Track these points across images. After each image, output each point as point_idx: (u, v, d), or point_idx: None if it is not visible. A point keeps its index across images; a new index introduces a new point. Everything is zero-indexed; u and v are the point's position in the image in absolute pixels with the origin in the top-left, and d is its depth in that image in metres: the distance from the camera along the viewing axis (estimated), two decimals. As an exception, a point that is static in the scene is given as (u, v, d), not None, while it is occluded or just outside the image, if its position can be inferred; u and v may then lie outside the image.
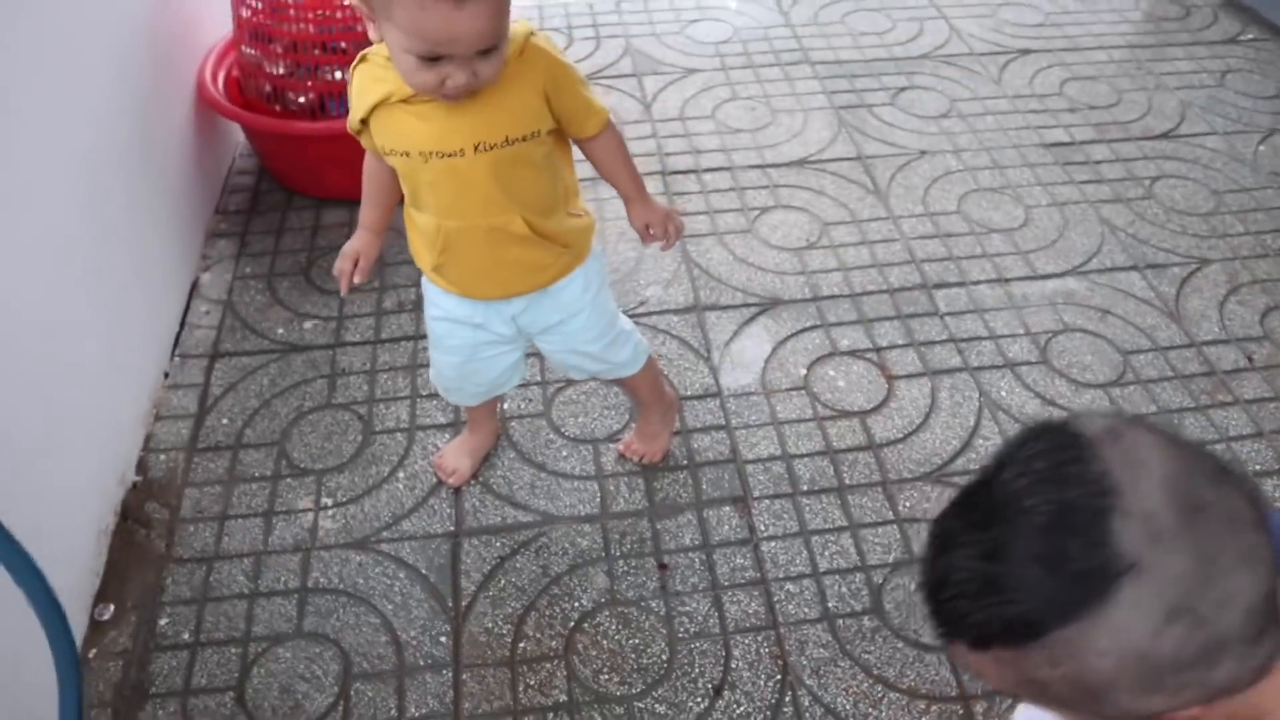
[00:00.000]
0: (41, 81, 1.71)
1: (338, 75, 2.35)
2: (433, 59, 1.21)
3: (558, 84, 1.38)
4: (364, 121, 1.39)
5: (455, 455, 1.92)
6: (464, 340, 1.64)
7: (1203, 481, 0.65)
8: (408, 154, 1.37)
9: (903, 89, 2.97)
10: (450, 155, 1.35)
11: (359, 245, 1.60)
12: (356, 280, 1.59)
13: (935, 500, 1.88)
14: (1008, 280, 2.33)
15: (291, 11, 2.26)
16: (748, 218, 2.49)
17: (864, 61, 3.09)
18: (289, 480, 1.93)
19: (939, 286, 2.31)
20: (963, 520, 0.71)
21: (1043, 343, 2.17)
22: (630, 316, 2.17)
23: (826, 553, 1.80)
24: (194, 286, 2.33)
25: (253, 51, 2.36)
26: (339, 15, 2.27)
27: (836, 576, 1.77)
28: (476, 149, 1.35)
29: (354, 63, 1.39)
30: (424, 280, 1.63)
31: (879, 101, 2.91)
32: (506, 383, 1.76)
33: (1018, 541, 0.65)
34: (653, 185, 2.55)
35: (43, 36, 1.72)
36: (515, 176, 1.41)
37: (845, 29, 3.27)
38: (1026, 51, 3.15)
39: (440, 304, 1.62)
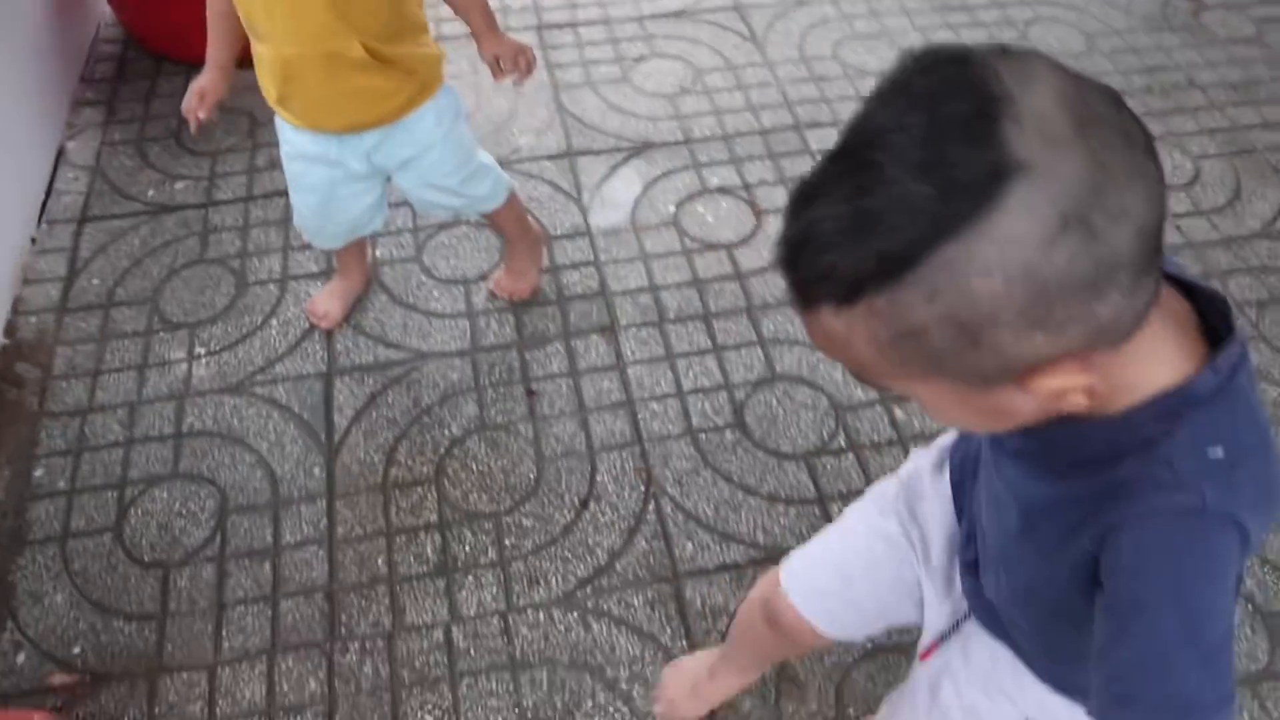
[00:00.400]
0: None
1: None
2: None
3: None
4: None
5: (326, 299, 1.94)
6: (320, 178, 1.65)
7: (1098, 100, 0.59)
8: None
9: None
10: None
11: (205, 82, 1.59)
12: (201, 116, 1.59)
13: (798, 323, 1.94)
14: (877, 118, 2.37)
15: None
16: (622, 68, 2.49)
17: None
18: (162, 334, 1.94)
19: (811, 126, 2.35)
20: (828, 170, 0.60)
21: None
22: (503, 164, 2.18)
23: (691, 374, 1.86)
24: (60, 154, 2.29)
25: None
26: None
27: (700, 395, 1.83)
28: None
29: None
30: (276, 119, 1.63)
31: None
32: (368, 224, 1.78)
33: (890, 164, 0.56)
34: (527, 37, 2.54)
35: None
36: (351, 1, 1.41)
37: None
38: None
39: (293, 141, 1.62)
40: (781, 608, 1.13)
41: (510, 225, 1.89)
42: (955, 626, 1.01)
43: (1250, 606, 1.57)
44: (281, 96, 1.54)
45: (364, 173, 1.65)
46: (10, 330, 1.95)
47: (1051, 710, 0.93)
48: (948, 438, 1.04)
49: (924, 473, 1.05)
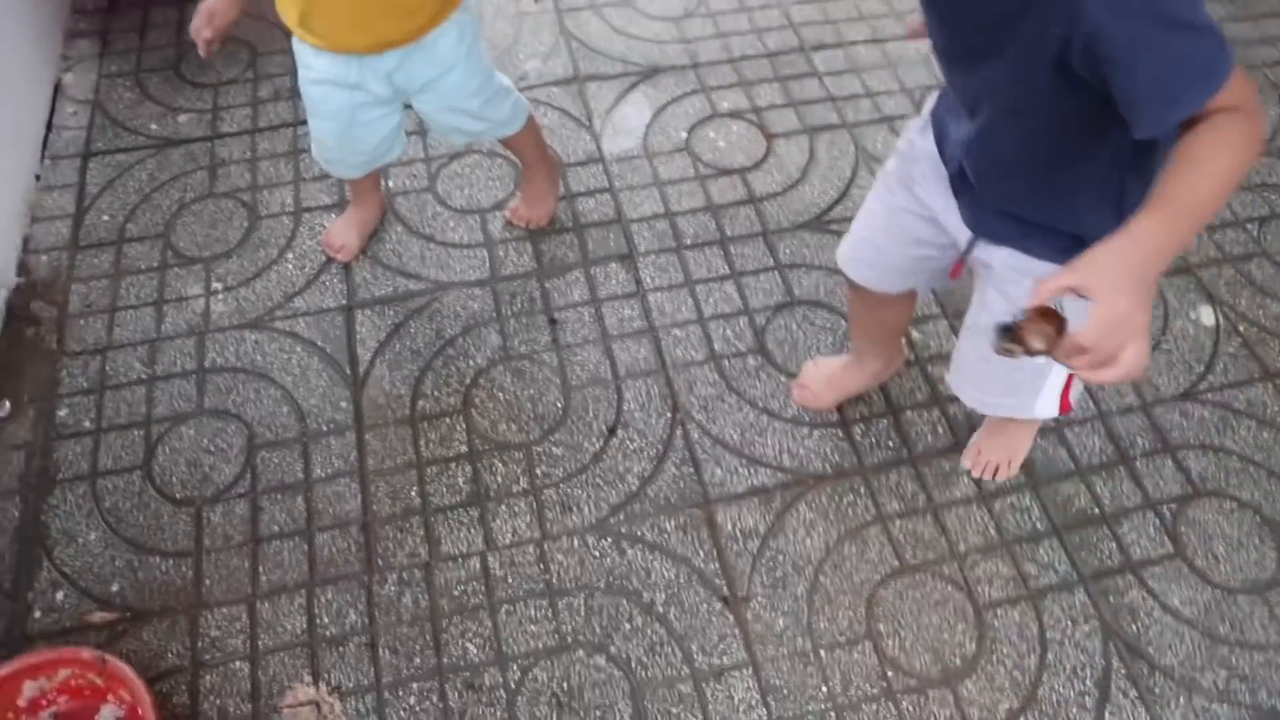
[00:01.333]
0: None
1: None
2: None
3: None
4: None
5: (342, 231, 1.92)
6: (341, 104, 1.63)
7: None
8: None
9: None
10: None
11: (214, 3, 1.56)
12: (208, 37, 1.56)
13: (814, 247, 1.95)
14: (884, 40, 2.35)
15: None
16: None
17: None
18: (176, 269, 1.92)
19: (817, 49, 2.33)
20: None
21: (917, 97, 2.22)
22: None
23: (711, 300, 1.87)
24: (57, 88, 2.24)
25: None
26: None
27: (721, 321, 1.85)
28: None
29: None
30: (295, 43, 1.60)
31: None
32: (388, 151, 1.76)
33: None
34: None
35: None
36: None
37: None
38: None
39: (314, 65, 1.60)
40: (849, 282, 1.50)
41: (529, 150, 1.88)
42: (969, 248, 1.26)
43: (1258, 518, 1.63)
44: (303, 16, 1.51)
45: (385, 96, 1.63)
46: (23, 269, 1.93)
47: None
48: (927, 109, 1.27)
49: (914, 141, 1.29)
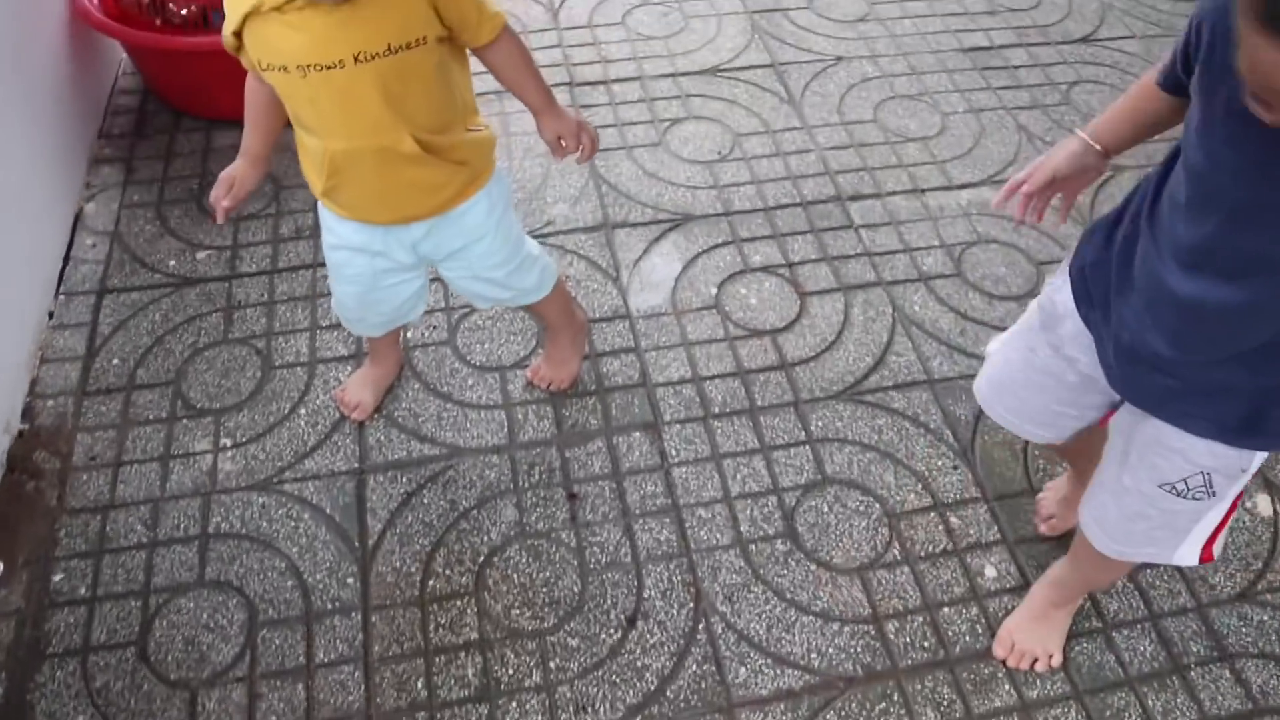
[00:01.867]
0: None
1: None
2: None
3: None
4: (238, 36, 1.30)
5: (357, 388, 1.86)
6: (363, 269, 1.57)
7: None
8: (285, 69, 1.28)
9: (819, -9, 2.89)
10: (329, 68, 1.26)
11: (235, 172, 1.52)
12: (227, 206, 1.51)
13: (848, 420, 1.87)
14: (923, 191, 2.30)
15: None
16: (658, 130, 2.41)
17: (779, -38, 2.99)
18: (185, 422, 1.86)
19: (854, 199, 2.27)
20: None
21: (957, 254, 2.16)
22: (537, 237, 2.11)
23: (738, 476, 1.79)
24: (78, 218, 2.20)
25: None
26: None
27: (749, 500, 1.76)
28: (357, 59, 1.26)
29: None
30: (319, 206, 1.55)
31: (794, 5, 2.82)
32: (410, 312, 1.70)
33: None
34: (558, 97, 2.46)
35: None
36: (403, 90, 1.32)
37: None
38: (945, -51, 3.07)
39: (337, 231, 1.54)
40: None
41: (554, 315, 1.82)
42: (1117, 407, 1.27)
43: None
44: (329, 189, 1.46)
45: (409, 263, 1.58)
46: (29, 414, 1.87)
47: (1221, 454, 1.16)
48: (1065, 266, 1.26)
49: (1055, 299, 1.27)
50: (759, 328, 2.01)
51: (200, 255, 2.12)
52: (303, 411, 1.87)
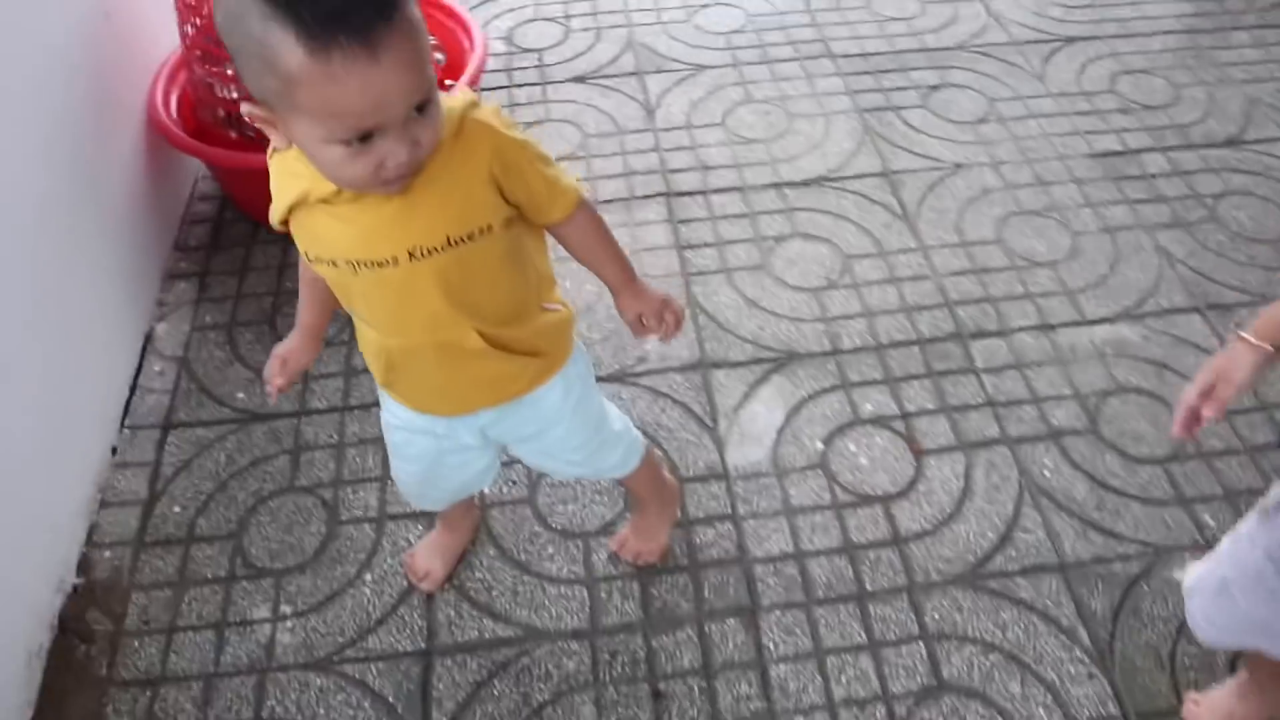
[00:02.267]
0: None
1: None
2: (363, 138, 0.97)
3: (508, 166, 1.11)
4: (285, 224, 1.16)
5: (427, 555, 1.71)
6: (425, 449, 1.42)
7: None
8: (334, 263, 1.13)
9: (935, 88, 2.67)
10: (382, 264, 1.10)
11: (291, 348, 1.38)
12: (279, 384, 1.38)
13: (968, 611, 1.66)
14: (1053, 327, 2.07)
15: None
16: (761, 250, 2.23)
17: (892, 54, 2.79)
18: (245, 583, 1.73)
19: (975, 336, 2.06)
20: None
21: (1092, 406, 1.93)
22: (627, 377, 1.96)
23: (843, 678, 1.59)
24: (148, 339, 2.11)
25: (204, 71, 2.10)
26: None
27: (854, 709, 1.56)
28: (413, 256, 1.09)
29: (269, 150, 1.14)
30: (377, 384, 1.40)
31: (908, 103, 2.62)
32: (478, 485, 1.56)
33: None
34: (654, 210, 2.31)
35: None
36: (466, 284, 1.15)
37: (870, 14, 2.95)
38: (1073, 39, 2.84)
39: (396, 413, 1.40)
40: None
41: (641, 487, 1.65)
42: None
43: None
44: (387, 382, 1.32)
45: (476, 445, 1.42)
46: (85, 566, 1.76)
47: None
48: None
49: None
50: (869, 493, 1.81)
51: (269, 387, 2.00)
52: (368, 577, 1.73)
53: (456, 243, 1.10)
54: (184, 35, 2.09)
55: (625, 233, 2.26)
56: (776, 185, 2.38)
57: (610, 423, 1.50)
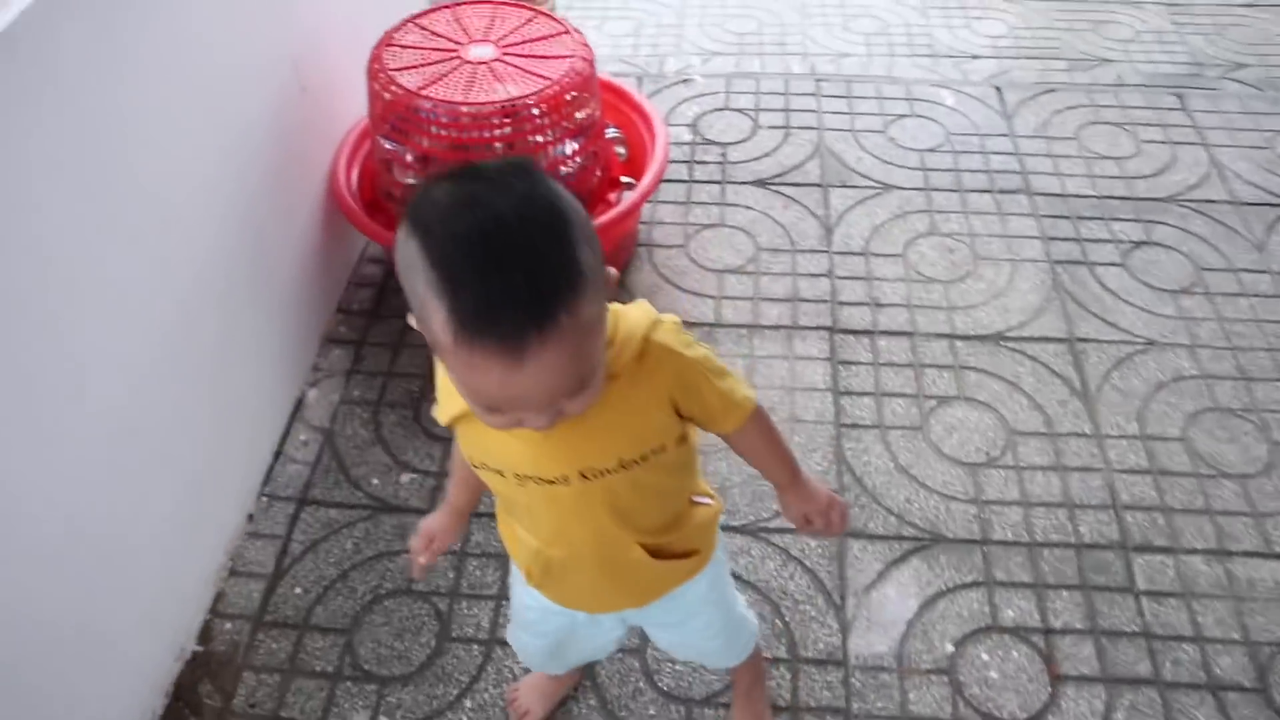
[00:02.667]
0: (152, 161, 1.58)
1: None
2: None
3: (687, 386, 1.09)
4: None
5: (529, 693, 1.68)
6: (558, 626, 1.39)
7: None
8: (500, 473, 1.11)
9: (1137, 244, 2.49)
10: (551, 482, 1.08)
11: (437, 525, 1.37)
12: (424, 562, 1.36)
13: None
14: (1230, 554, 1.89)
15: (424, 113, 2.00)
16: (921, 410, 2.12)
17: (1095, 198, 2.62)
18: (349, 684, 1.74)
19: (1140, 550, 1.90)
20: None
21: (1264, 658, 1.75)
22: (761, 531, 1.90)
23: None
24: (299, 404, 2.15)
25: (386, 149, 2.13)
26: (484, 133, 2.01)
27: None
28: (584, 476, 1.06)
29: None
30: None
31: (1106, 259, 2.45)
32: (603, 655, 1.53)
33: None
34: (816, 345, 2.22)
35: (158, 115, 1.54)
36: (635, 500, 1.13)
37: (1078, 147, 2.78)
38: (1305, 208, 2.60)
39: (535, 597, 1.35)
40: None
41: (745, 673, 1.59)
42: None
43: None
44: (539, 584, 1.29)
45: (612, 626, 1.40)
46: (205, 634, 1.81)
47: None
48: None
49: None
50: (994, 714, 1.69)
51: (404, 479, 2.02)
52: (468, 704, 1.71)
53: (629, 465, 1.07)
54: (373, 105, 2.11)
55: (783, 366, 2.18)
56: (949, 336, 2.25)
57: (738, 606, 1.46)
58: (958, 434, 2.07)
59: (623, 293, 2.31)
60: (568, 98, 2.05)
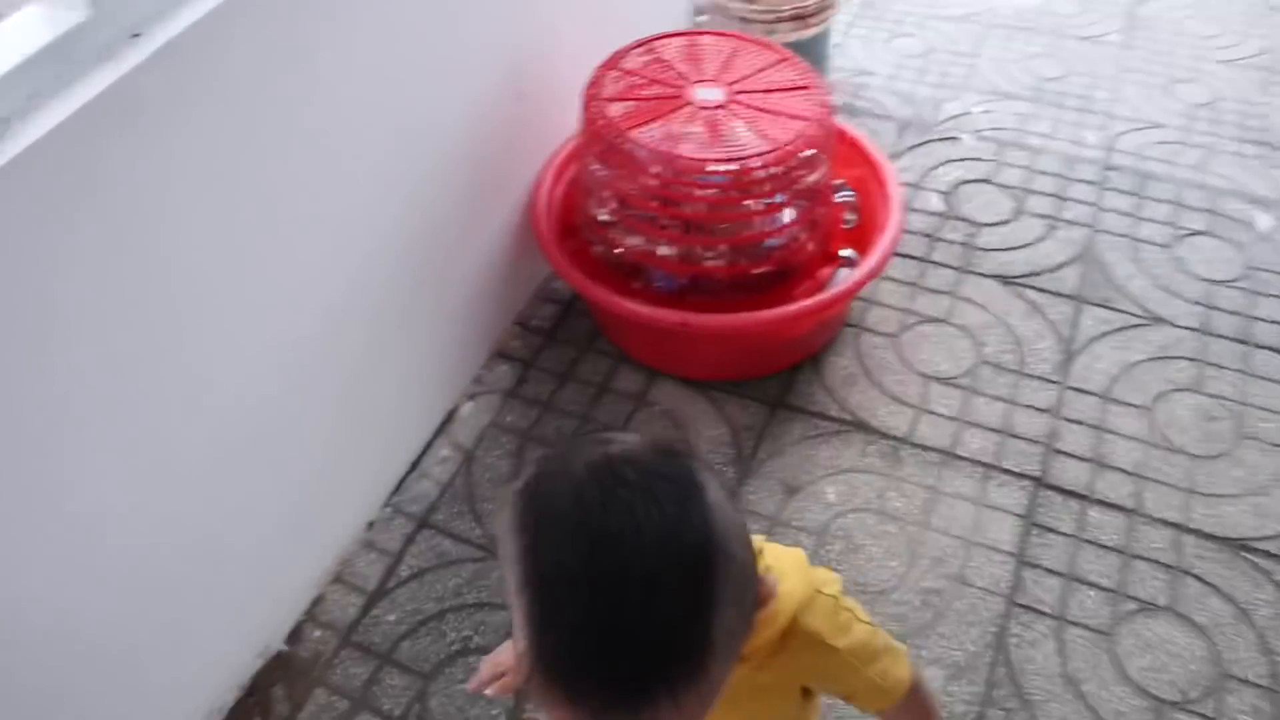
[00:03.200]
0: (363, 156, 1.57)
1: (661, 251, 1.93)
2: None
3: (829, 676, 0.97)
4: None
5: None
6: None
7: None
8: None
9: None
10: None
11: (508, 663, 1.24)
12: (488, 694, 1.24)
13: None
14: None
15: (628, 151, 1.83)
16: (1116, 611, 1.78)
17: None
18: (409, 739, 1.67)
19: None
20: None
21: None
22: None
23: None
24: (450, 415, 2.08)
25: (594, 170, 1.97)
26: (692, 189, 1.82)
27: None
28: None
29: None
30: None
31: None
32: None
33: None
34: (1013, 496, 1.93)
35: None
36: None
37: None
38: None
39: None
40: None
41: None
42: None
43: None
44: None
45: None
46: (295, 636, 1.78)
47: None
48: None
49: None
50: None
51: (475, 685, 1.90)
52: (517, 802, 1.60)
53: None
54: (583, 128, 1.96)
55: (968, 512, 1.90)
56: (1179, 528, 1.89)
57: None
58: (1153, 655, 1.73)
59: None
60: (795, 162, 1.83)
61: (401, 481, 1.98)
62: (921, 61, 3.24)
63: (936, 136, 2.70)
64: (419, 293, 1.86)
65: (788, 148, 1.80)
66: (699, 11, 2.86)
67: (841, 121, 2.20)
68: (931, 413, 2.05)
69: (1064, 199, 2.52)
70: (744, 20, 2.76)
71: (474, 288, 2.05)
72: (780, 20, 2.74)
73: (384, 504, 1.95)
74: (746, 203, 1.87)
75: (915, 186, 2.54)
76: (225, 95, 1.28)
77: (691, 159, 1.79)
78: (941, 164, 2.62)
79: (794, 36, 2.78)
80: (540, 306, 2.28)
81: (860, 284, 1.95)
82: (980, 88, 3.00)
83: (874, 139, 2.49)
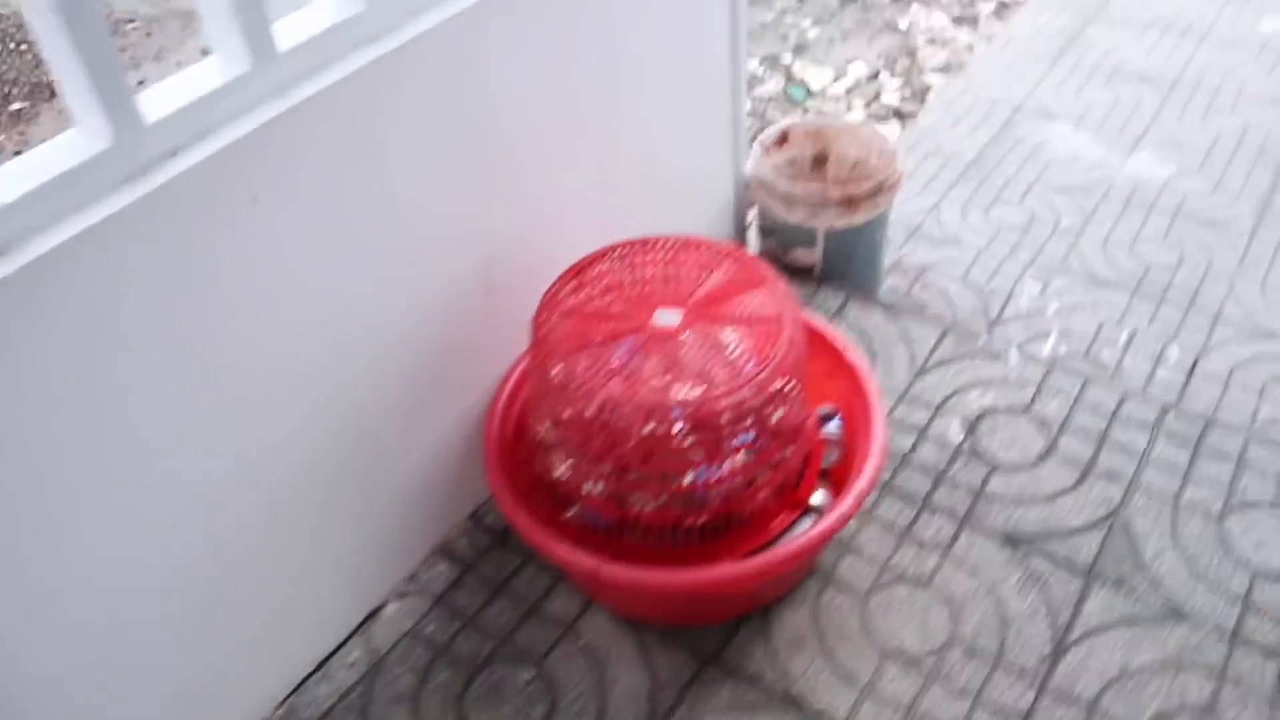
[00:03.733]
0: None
1: (586, 488, 1.78)
2: None
3: None
4: None
5: None
6: None
7: None
8: None
9: None
10: None
11: None
12: None
13: None
14: None
15: (563, 381, 1.71)
16: None
17: None
18: None
19: None
20: None
21: None
22: None
23: None
24: (375, 613, 1.99)
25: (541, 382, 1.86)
26: (631, 425, 1.68)
27: None
28: None
29: None
30: None
31: None
32: None
33: None
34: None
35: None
36: None
37: None
38: None
39: None
40: None
41: None
42: None
43: None
44: None
45: None
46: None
47: None
48: None
49: None
50: None
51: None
52: None
53: None
54: (532, 336, 1.85)
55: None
56: None
57: None
58: None
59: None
60: (756, 400, 1.66)
61: (304, 680, 1.90)
62: (1016, 236, 3.02)
63: (979, 350, 2.45)
64: (367, 479, 1.83)
65: (751, 381, 1.63)
66: (744, 189, 2.74)
67: (839, 338, 2.02)
68: (878, 699, 1.81)
69: (1105, 446, 2.21)
70: (787, 202, 2.62)
71: (427, 479, 1.98)
72: (827, 205, 2.57)
73: (278, 704, 1.87)
74: (684, 445, 1.70)
75: (937, 409, 2.30)
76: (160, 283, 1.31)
77: (629, 400, 1.64)
78: (972, 386, 2.36)
79: (842, 224, 2.61)
80: (491, 505, 2.18)
81: (801, 552, 1.75)
82: (1074, 272, 2.76)
83: (903, 344, 2.31)
